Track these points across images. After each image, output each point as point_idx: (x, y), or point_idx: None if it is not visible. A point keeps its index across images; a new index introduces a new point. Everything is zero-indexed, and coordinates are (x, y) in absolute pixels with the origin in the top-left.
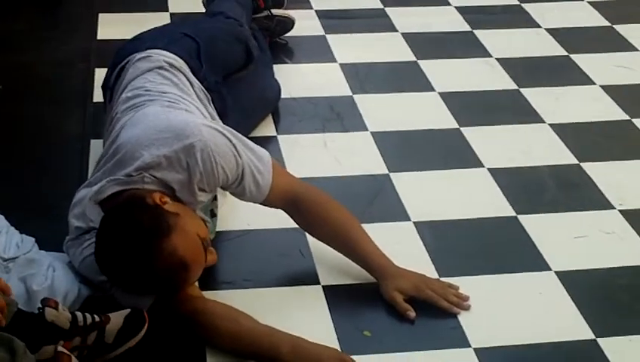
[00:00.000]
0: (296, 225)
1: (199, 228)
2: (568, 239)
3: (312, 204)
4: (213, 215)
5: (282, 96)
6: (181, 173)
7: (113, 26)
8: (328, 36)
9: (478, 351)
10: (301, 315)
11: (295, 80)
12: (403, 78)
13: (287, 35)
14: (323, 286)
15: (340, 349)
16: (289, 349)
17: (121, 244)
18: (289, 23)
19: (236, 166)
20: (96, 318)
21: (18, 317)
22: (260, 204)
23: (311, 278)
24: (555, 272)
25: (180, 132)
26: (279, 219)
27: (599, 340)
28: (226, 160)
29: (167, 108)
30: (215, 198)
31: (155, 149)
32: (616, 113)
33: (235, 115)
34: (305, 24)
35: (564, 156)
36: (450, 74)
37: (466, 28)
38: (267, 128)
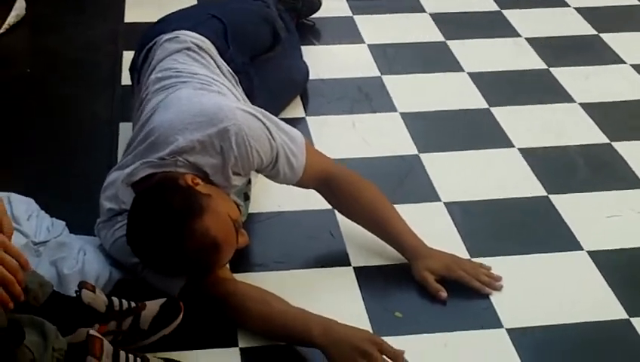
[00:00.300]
0: (327, 207)
1: (231, 209)
2: (600, 218)
3: (344, 183)
4: (246, 198)
5: (310, 77)
6: (215, 158)
7: (140, 9)
8: (356, 17)
9: (511, 332)
10: (332, 297)
11: (323, 61)
12: (431, 59)
13: (314, 16)
14: (354, 268)
15: (371, 330)
16: (320, 331)
17: (153, 225)
18: (316, 4)
19: (270, 149)
20: (133, 304)
21: (54, 298)
22: (293, 185)
23: (342, 260)
24: (588, 252)
25: (214, 116)
26: (309, 201)
27: (632, 320)
28: (260, 143)
29: (200, 91)
30: (249, 182)
31: (189, 134)
32: None
33: (262, 96)
34: (332, 5)
35: (595, 135)
36: (479, 54)
37: (495, 8)
38: (296, 110)
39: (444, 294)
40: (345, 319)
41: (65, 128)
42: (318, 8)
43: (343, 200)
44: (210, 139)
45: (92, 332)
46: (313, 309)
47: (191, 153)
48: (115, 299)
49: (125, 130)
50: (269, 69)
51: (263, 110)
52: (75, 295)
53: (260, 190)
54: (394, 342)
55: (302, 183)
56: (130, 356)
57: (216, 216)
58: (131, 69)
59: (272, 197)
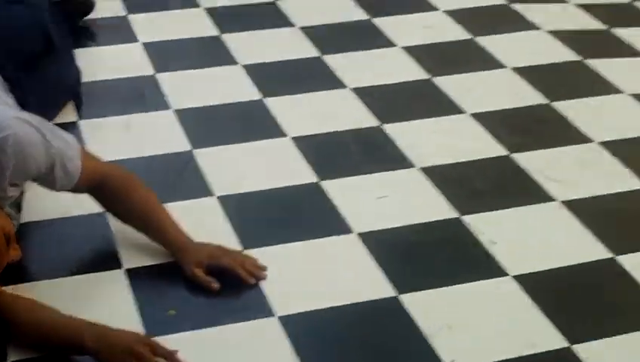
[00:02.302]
0: (99, 210)
1: (4, 223)
2: (370, 200)
3: (115, 182)
4: (19, 209)
5: (84, 80)
6: None
7: None
8: (130, 16)
9: (283, 319)
10: (104, 302)
11: (96, 63)
12: (207, 53)
13: (87, 17)
14: (126, 270)
15: (143, 332)
16: (92, 337)
17: None
18: (89, 6)
19: (47, 157)
20: None
21: None
22: (68, 191)
23: (113, 263)
24: (358, 234)
25: None
26: (80, 205)
27: (401, 296)
28: (38, 152)
29: None
30: (22, 193)
31: None
32: (418, 73)
33: (35, 103)
34: (105, 5)
35: (366, 119)
36: (253, 45)
37: None
38: (68, 114)
39: (215, 285)
40: (118, 323)
41: None
42: (92, 10)
43: (113, 202)
44: None
45: None
46: (85, 316)
47: None
48: None
49: None
50: (42, 75)
51: (37, 117)
52: None
53: (30, 199)
54: (168, 340)
55: (77, 188)
56: None
57: None
58: None
59: (43, 204)
